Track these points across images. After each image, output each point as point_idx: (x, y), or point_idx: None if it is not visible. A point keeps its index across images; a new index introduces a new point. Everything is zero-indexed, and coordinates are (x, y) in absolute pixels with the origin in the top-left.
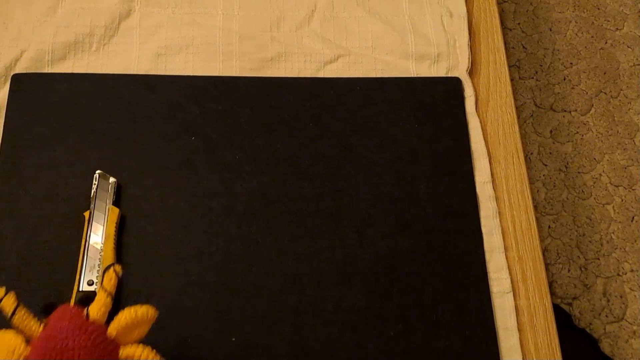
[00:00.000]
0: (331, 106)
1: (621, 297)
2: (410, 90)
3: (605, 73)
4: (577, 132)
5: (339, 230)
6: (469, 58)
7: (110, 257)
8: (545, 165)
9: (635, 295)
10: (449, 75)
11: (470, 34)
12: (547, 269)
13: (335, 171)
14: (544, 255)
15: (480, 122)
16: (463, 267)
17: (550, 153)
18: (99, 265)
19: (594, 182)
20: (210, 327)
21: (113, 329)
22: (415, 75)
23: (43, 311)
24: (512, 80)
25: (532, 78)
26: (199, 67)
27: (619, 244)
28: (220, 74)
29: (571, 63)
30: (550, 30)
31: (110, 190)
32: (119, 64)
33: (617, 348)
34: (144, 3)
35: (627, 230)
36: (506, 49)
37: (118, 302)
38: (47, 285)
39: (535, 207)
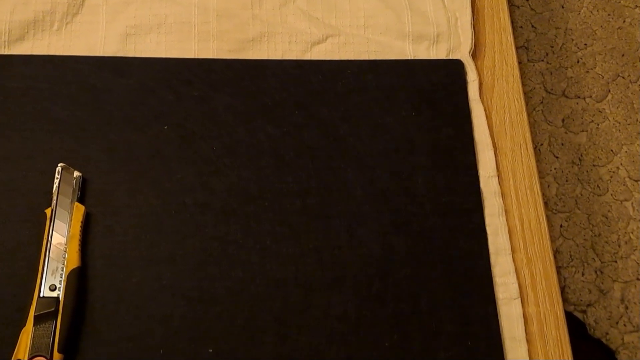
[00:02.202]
0: (319, 92)
1: None
2: (407, 74)
3: (623, 55)
4: (592, 121)
5: (328, 230)
6: (472, 38)
7: (75, 259)
8: (557, 157)
9: None
10: (450, 57)
11: (473, 11)
12: (558, 273)
13: (323, 164)
14: (555, 257)
15: (485, 109)
16: (465, 270)
17: (562, 144)
18: (62, 268)
19: (611, 177)
20: (184, 337)
21: None
22: (412, 58)
23: None
24: (520, 63)
25: (542, 61)
26: (172, 49)
27: (639, 245)
28: (196, 56)
29: (585, 44)
30: (563, 7)
31: (75, 185)
32: (84, 45)
33: None
34: None
35: None
36: (513, 28)
37: (83, 309)
38: (4, 290)
39: (546, 204)
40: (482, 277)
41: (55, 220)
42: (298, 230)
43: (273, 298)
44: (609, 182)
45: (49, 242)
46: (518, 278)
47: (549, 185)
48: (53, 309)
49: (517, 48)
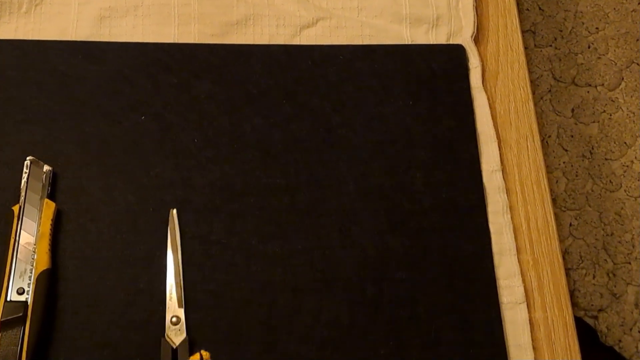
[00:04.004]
0: (309, 79)
1: None
2: (404, 61)
3: (638, 40)
4: (604, 111)
5: (319, 229)
6: (474, 22)
7: (45, 260)
8: (566, 150)
9: None
10: (451, 42)
11: None
12: (567, 276)
13: (313, 158)
14: (564, 258)
15: (488, 98)
16: (467, 272)
17: (572, 136)
18: (31, 270)
19: (625, 171)
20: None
21: None
22: (409, 43)
23: None
24: (526, 48)
25: (551, 46)
26: (150, 33)
27: None
28: (176, 41)
29: (597, 28)
30: None
31: (45, 180)
32: (54, 29)
33: None
34: None
35: None
36: (519, 10)
37: (53, 314)
38: None
39: (554, 201)
40: (485, 279)
41: (24, 218)
42: (286, 229)
43: (259, 302)
44: (622, 177)
45: (16, 241)
46: (524, 281)
47: (557, 181)
48: (21, 314)
49: (523, 32)
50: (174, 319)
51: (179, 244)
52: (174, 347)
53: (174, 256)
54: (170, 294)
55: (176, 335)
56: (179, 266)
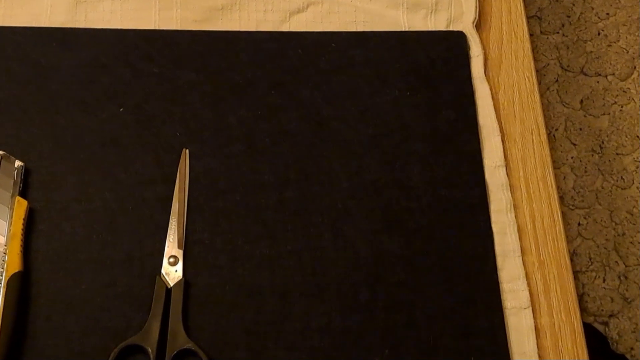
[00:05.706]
0: (298, 68)
1: None
2: (401, 48)
3: None
4: (615, 102)
5: (309, 229)
6: (476, 7)
7: (16, 262)
8: (574, 144)
9: None
10: (451, 28)
11: None
12: (576, 279)
13: (303, 152)
14: (572, 260)
15: (491, 89)
16: (468, 275)
17: (581, 129)
18: (1, 273)
19: (637, 167)
20: (144, 352)
21: None
22: (406, 29)
23: None
24: (531, 35)
25: (558, 33)
26: (129, 18)
27: None
28: (157, 27)
29: (607, 13)
30: None
31: (16, 176)
32: (26, 14)
33: None
34: None
35: None
36: None
37: (25, 320)
38: None
39: (561, 199)
40: (487, 283)
41: None
42: (274, 228)
43: (245, 307)
44: (634, 173)
45: None
46: (529, 284)
47: (565, 177)
48: None
49: (528, 18)
50: (172, 260)
51: (187, 185)
52: (169, 287)
53: (179, 195)
54: (170, 233)
55: (172, 275)
56: (184, 207)
